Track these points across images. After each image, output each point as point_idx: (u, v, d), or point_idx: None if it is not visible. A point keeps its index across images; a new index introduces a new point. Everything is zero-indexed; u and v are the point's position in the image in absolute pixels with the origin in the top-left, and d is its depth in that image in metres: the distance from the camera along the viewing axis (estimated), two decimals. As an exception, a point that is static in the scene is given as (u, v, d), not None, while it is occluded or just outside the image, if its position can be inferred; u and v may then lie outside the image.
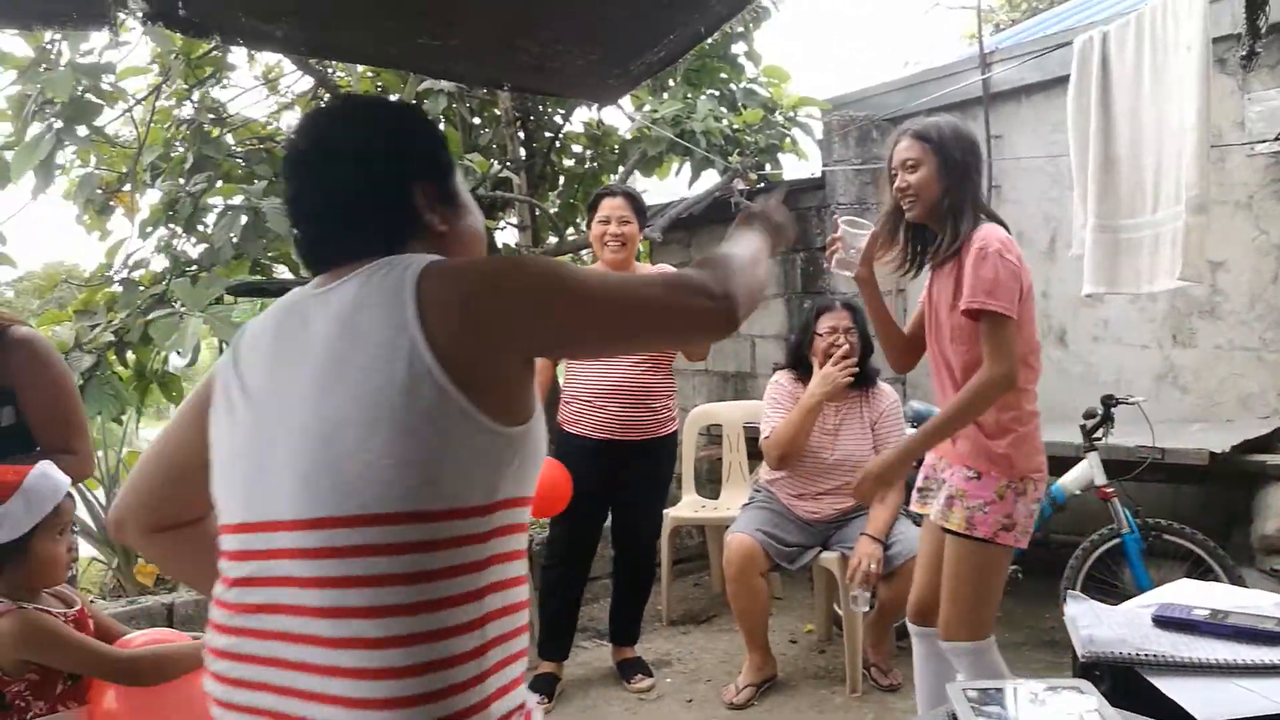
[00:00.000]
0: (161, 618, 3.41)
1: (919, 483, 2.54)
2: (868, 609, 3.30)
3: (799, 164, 5.38)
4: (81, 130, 4.10)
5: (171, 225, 4.57)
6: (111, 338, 4.03)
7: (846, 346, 3.36)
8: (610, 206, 3.40)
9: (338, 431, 0.99)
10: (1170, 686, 1.30)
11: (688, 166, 5.11)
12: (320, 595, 0.98)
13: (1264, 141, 3.77)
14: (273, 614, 1.02)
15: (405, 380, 0.98)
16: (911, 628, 2.54)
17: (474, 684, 0.98)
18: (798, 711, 3.28)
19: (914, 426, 3.73)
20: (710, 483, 4.69)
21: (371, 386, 0.99)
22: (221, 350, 4.38)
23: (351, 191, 1.14)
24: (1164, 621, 1.48)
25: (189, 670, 1.81)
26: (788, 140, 5.13)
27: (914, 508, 2.58)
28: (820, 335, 3.41)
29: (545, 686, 3.43)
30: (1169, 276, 3.32)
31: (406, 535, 0.97)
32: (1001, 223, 2.35)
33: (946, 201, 2.31)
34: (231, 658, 1.05)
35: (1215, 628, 1.44)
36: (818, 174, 5.03)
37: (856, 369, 3.33)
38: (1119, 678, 1.37)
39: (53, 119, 4.04)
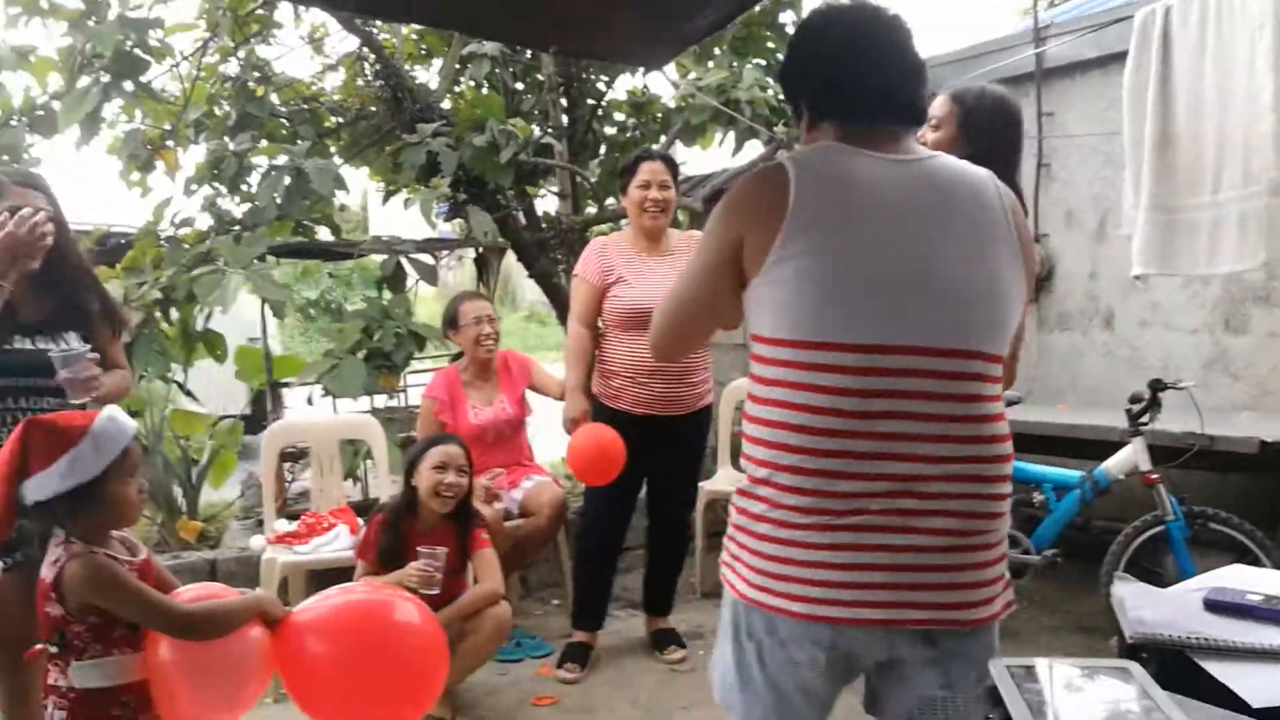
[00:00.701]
0: (204, 573, 3.47)
1: None
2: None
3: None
4: (128, 85, 4.13)
5: (216, 184, 4.61)
6: (159, 295, 4.07)
7: None
8: (650, 171, 3.35)
9: (984, 288, 1.41)
10: (1222, 671, 1.27)
11: (731, 136, 5.05)
12: (945, 406, 1.38)
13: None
14: (895, 420, 1.37)
15: (1015, 264, 1.45)
16: None
17: (1010, 438, 1.48)
18: (827, 686, 3.27)
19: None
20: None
21: (1006, 265, 1.43)
22: (264, 307, 4.41)
23: (923, 75, 1.51)
24: (1216, 605, 1.44)
25: (240, 626, 1.84)
26: (834, 112, 5.06)
27: None
28: None
29: (578, 655, 3.44)
30: (1233, 259, 3.26)
31: (991, 370, 1.44)
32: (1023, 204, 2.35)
33: None
34: (845, 456, 1.36)
35: (1270, 613, 1.40)
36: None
37: None
38: (1167, 660, 1.34)
39: (100, 72, 4.07)
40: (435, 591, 2.72)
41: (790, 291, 1.38)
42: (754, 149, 5.03)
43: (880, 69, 1.47)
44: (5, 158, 4.16)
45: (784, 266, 1.38)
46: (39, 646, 1.86)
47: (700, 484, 3.95)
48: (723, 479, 4.28)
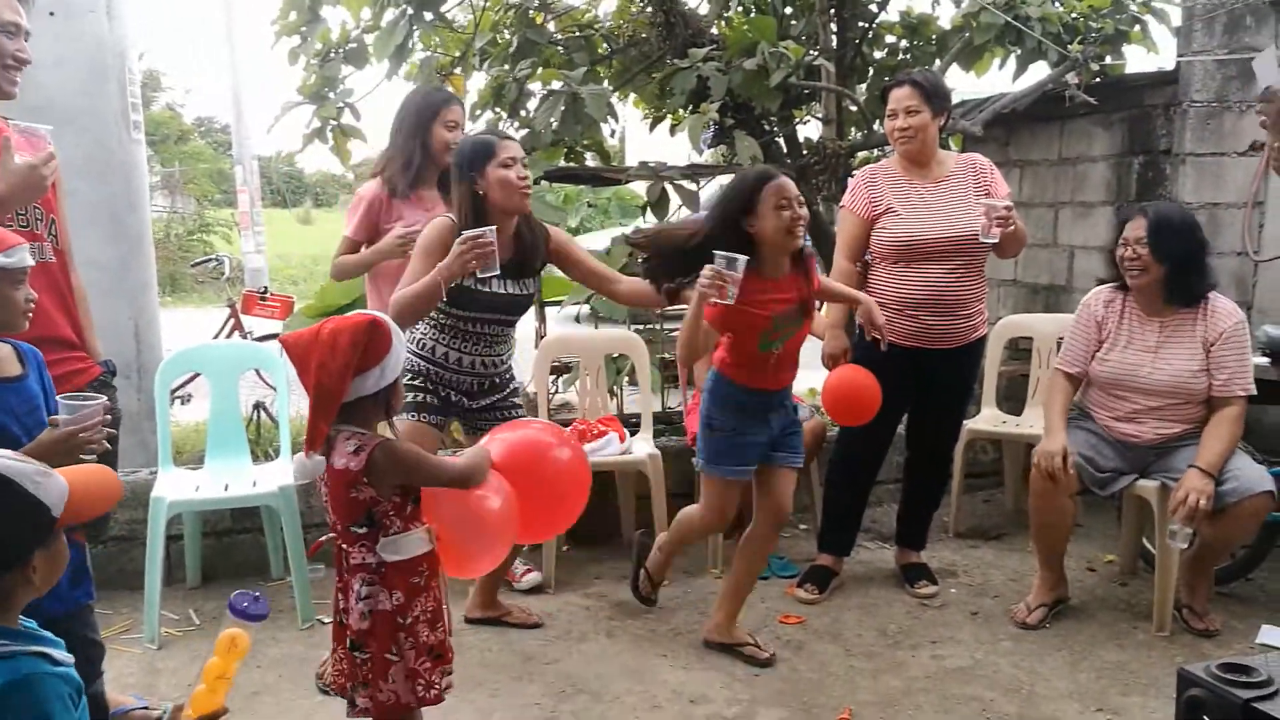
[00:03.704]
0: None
1: None
2: (1185, 546, 3.01)
3: (1146, 57, 4.80)
4: (428, 15, 4.42)
5: (498, 109, 4.86)
6: (447, 216, 4.38)
7: (1136, 259, 3.05)
8: (896, 98, 3.22)
9: None
10: None
11: (1012, 60, 4.70)
12: None
13: None
14: None
15: None
16: None
17: None
18: (1094, 641, 3.10)
19: (1266, 356, 3.31)
20: (1009, 399, 4.44)
21: None
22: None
23: None
24: None
25: (488, 471, 2.11)
26: (1136, 29, 4.58)
27: None
28: (1118, 246, 3.15)
29: (818, 578, 3.48)
30: None
31: None
32: None
33: None
34: None
35: None
36: (1169, 66, 4.45)
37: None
38: None
39: (406, 5, 4.38)
40: (727, 301, 2.49)
41: None
42: (1038, 73, 4.66)
43: None
44: (326, 90, 4.58)
45: None
46: (321, 539, 2.11)
47: (964, 422, 3.80)
48: (986, 419, 4.10)
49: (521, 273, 2.87)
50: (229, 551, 3.71)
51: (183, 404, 5.45)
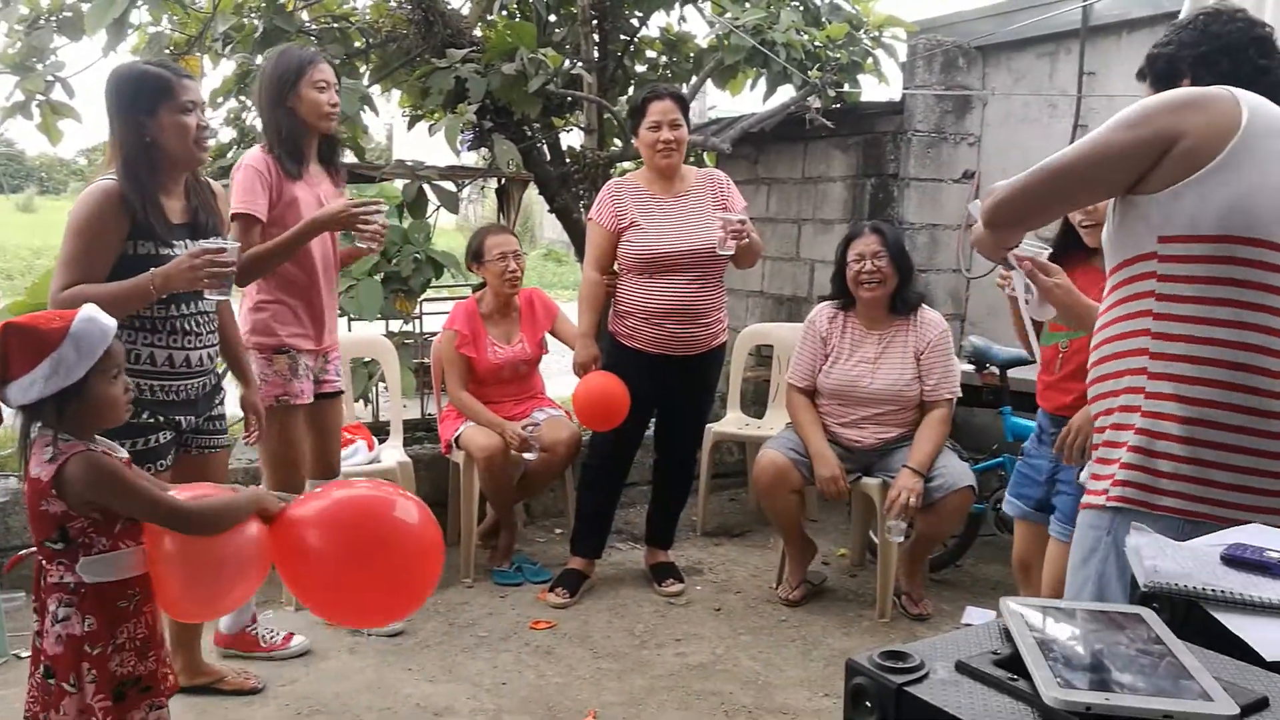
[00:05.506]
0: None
1: None
2: (901, 539, 3.30)
3: (878, 87, 5.21)
4: (157, -11, 4.06)
5: (242, 98, 4.56)
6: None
7: (876, 272, 3.31)
8: (659, 110, 3.31)
9: None
10: (1237, 623, 1.26)
11: (762, 81, 4.96)
12: None
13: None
14: None
15: None
16: None
17: None
18: (825, 630, 3.30)
19: (972, 363, 3.65)
20: (755, 404, 4.67)
21: None
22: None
23: None
24: (1234, 561, 1.43)
25: (238, 521, 1.86)
26: (870, 61, 4.96)
27: None
28: (850, 263, 3.37)
29: (569, 581, 3.50)
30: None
31: None
32: None
33: None
34: None
35: (1287, 572, 1.39)
36: (897, 98, 4.86)
37: None
38: (1179, 611, 1.33)
39: (130, -25, 3.99)
40: None
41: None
42: (785, 95, 4.94)
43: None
44: (33, 60, 4.10)
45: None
46: (22, 553, 1.88)
47: (709, 425, 3.95)
48: (730, 422, 4.28)
49: (201, 235, 2.37)
50: (-98, 581, 3.23)
51: None
